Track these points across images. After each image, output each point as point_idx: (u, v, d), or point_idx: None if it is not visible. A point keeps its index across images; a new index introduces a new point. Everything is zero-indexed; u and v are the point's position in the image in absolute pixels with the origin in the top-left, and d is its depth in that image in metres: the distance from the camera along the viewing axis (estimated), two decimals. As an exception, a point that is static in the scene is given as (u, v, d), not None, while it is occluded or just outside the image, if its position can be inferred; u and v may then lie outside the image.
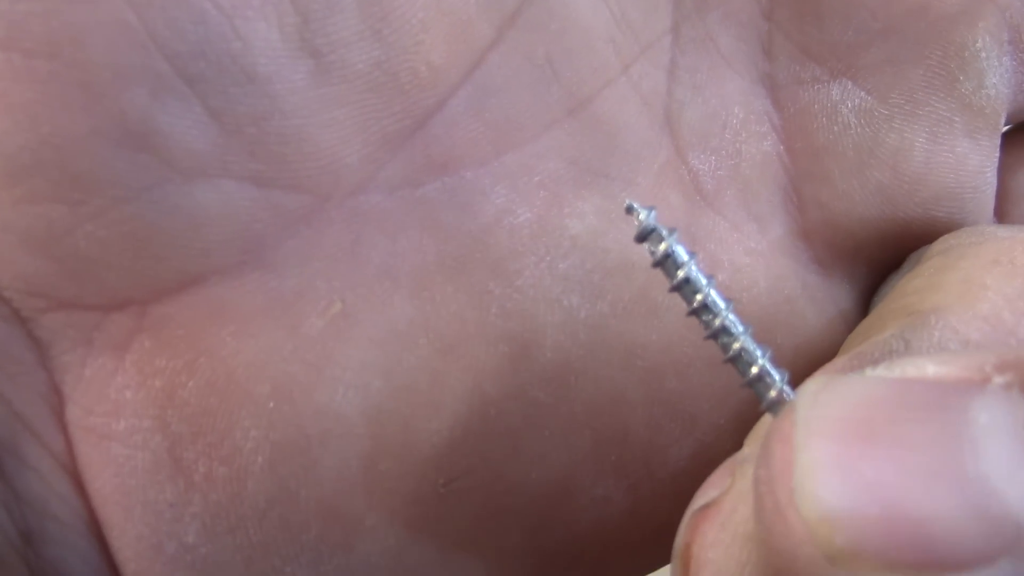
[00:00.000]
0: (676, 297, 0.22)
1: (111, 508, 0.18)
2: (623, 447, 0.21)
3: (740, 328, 0.18)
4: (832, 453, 0.15)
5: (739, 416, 0.22)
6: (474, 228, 0.20)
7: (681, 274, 0.17)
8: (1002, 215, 0.26)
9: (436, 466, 0.19)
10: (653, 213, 0.18)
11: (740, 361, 0.18)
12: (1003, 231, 0.22)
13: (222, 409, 0.18)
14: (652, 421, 0.21)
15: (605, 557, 0.22)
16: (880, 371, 0.16)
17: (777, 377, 0.17)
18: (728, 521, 0.17)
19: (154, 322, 0.18)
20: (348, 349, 0.19)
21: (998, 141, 0.24)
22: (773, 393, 0.17)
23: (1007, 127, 0.27)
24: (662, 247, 0.18)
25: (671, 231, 0.18)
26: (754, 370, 0.17)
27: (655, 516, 0.22)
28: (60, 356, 0.18)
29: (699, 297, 0.17)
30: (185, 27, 0.17)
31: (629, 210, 0.18)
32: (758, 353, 0.18)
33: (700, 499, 0.18)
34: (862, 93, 0.23)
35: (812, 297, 0.23)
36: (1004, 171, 0.26)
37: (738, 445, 0.22)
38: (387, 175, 0.19)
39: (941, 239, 0.23)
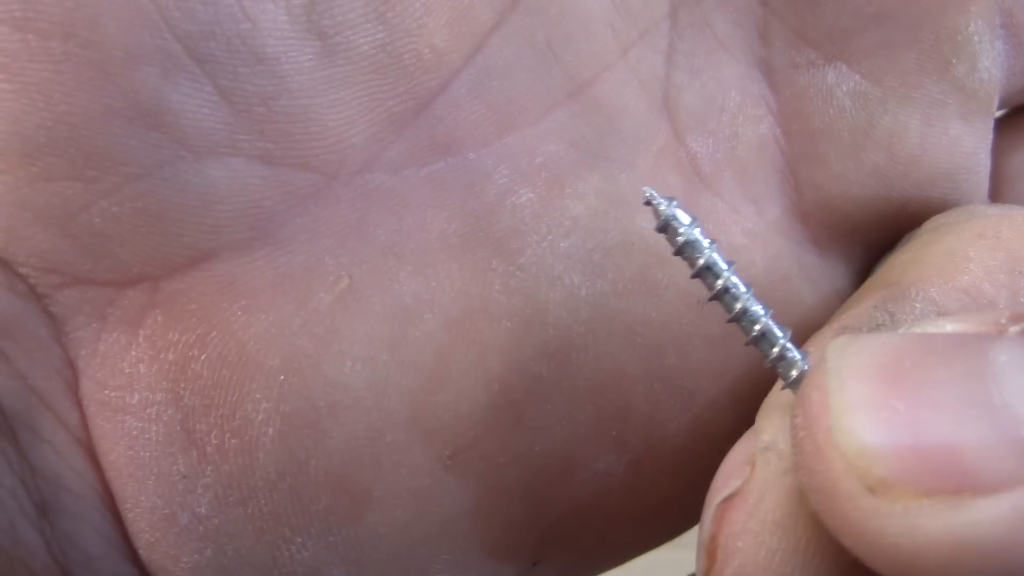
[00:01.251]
0: (675, 276, 0.22)
1: (125, 480, 0.19)
2: (624, 422, 0.22)
3: (761, 311, 0.18)
4: (865, 393, 0.16)
5: (736, 393, 0.22)
6: (478, 207, 0.21)
7: (702, 262, 0.18)
8: (996, 196, 0.26)
9: (442, 439, 0.20)
10: (675, 203, 0.18)
11: (763, 342, 0.18)
12: (993, 209, 0.23)
13: (233, 382, 0.19)
14: (652, 397, 0.22)
15: (607, 531, 0.22)
16: (901, 331, 0.17)
17: (799, 356, 0.18)
18: (755, 510, 0.18)
19: (166, 297, 0.19)
20: (355, 323, 0.19)
21: (992, 123, 0.25)
22: (795, 372, 0.18)
23: (1003, 111, 0.27)
24: (681, 237, 0.18)
25: (693, 220, 0.18)
26: (775, 350, 0.18)
27: (656, 491, 0.22)
28: (75, 331, 0.19)
29: (720, 282, 0.18)
30: (196, 8, 0.17)
31: (649, 202, 0.18)
32: (779, 334, 0.18)
33: (723, 489, 0.18)
34: (857, 76, 0.24)
35: (808, 277, 0.24)
36: (999, 154, 0.26)
37: (736, 421, 0.22)
38: (392, 155, 0.20)
39: (932, 219, 0.23)
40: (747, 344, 0.19)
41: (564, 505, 0.22)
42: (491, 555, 0.21)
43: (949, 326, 0.17)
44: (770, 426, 0.19)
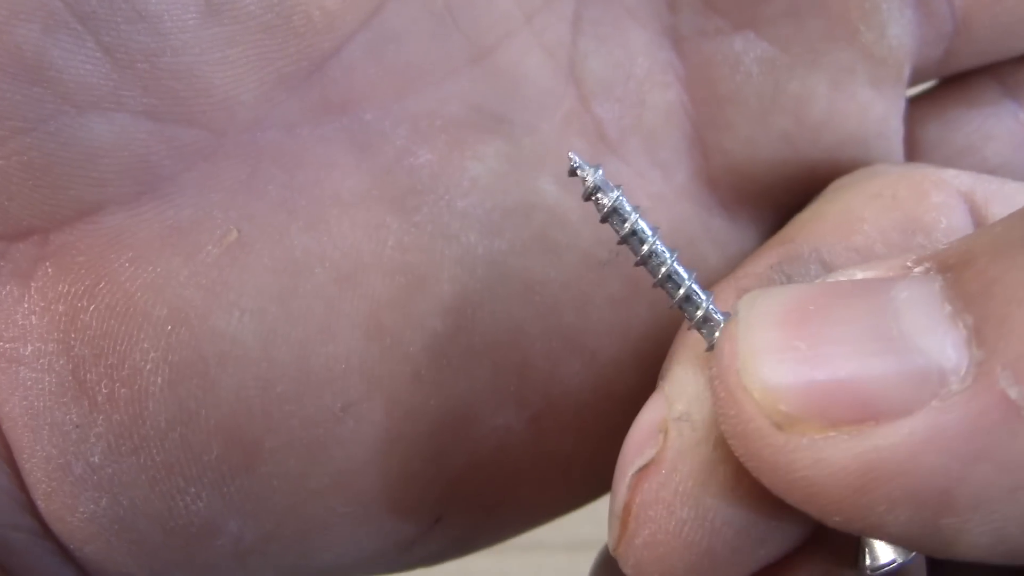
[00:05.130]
0: (576, 238, 0.23)
1: (20, 431, 0.19)
2: (522, 378, 0.22)
3: (686, 276, 0.19)
4: (771, 337, 0.16)
5: (640, 352, 0.23)
6: (373, 167, 0.21)
7: (627, 227, 0.19)
8: (912, 166, 0.26)
9: (332, 390, 0.20)
10: (600, 171, 0.19)
11: (688, 304, 0.19)
12: (895, 169, 0.23)
13: (122, 332, 0.19)
14: (551, 354, 0.22)
15: (510, 488, 0.23)
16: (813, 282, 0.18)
17: (705, 297, 0.19)
18: (668, 480, 0.18)
19: (56, 250, 0.19)
20: (243, 276, 0.20)
21: (903, 90, 0.25)
22: (700, 312, 0.19)
23: (927, 85, 0.28)
24: (607, 202, 0.19)
25: (617, 187, 0.19)
26: (699, 313, 0.19)
27: (559, 448, 0.23)
28: None
29: (646, 247, 0.19)
30: None
31: (574, 171, 0.19)
32: (703, 296, 0.19)
33: (637, 459, 0.19)
34: (764, 43, 0.24)
35: (715, 240, 0.24)
36: (915, 124, 0.26)
37: (641, 381, 0.23)
38: (284, 114, 0.20)
39: (837, 180, 0.24)
40: (670, 308, 0.19)
41: (464, 460, 0.22)
42: (390, 510, 0.22)
43: (859, 273, 0.17)
44: (683, 395, 0.19)
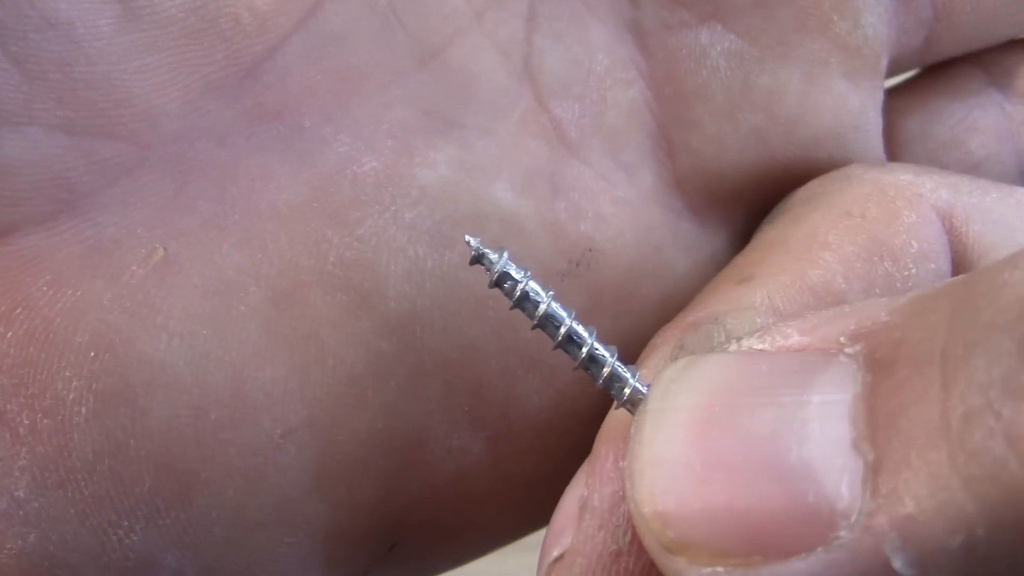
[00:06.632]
0: (533, 248, 0.22)
1: None
2: (477, 398, 0.21)
3: (608, 354, 0.18)
4: (670, 449, 0.15)
5: None
6: (312, 177, 0.20)
7: (541, 311, 0.18)
8: (893, 161, 0.25)
9: (271, 416, 0.19)
10: (505, 255, 0.18)
11: (614, 381, 0.18)
12: (870, 174, 0.22)
13: (41, 360, 0.18)
14: (508, 372, 0.21)
15: (469, 512, 0.22)
16: (752, 340, 0.17)
17: (628, 375, 0.18)
18: (569, 571, 0.17)
19: None
20: (172, 297, 0.19)
21: (881, 82, 0.24)
22: (627, 391, 0.18)
23: (908, 74, 0.26)
24: (518, 291, 0.18)
25: (525, 271, 0.18)
26: (606, 371, 0.18)
27: (519, 470, 0.22)
28: None
29: (563, 330, 0.18)
30: None
31: (478, 258, 0.18)
32: (627, 374, 0.18)
33: (554, 548, 0.18)
34: (732, 36, 0.23)
35: (684, 246, 0.23)
36: (896, 116, 0.25)
37: (602, 397, 0.21)
38: (214, 123, 0.19)
39: (808, 184, 0.22)
40: (598, 388, 0.18)
41: (417, 484, 0.21)
42: (340, 538, 0.20)
43: (795, 337, 0.16)
44: (588, 477, 0.18)
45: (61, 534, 0.19)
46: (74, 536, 0.19)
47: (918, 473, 0.13)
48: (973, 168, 0.25)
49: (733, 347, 0.17)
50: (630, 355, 0.20)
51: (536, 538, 0.24)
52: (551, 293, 0.18)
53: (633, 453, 0.16)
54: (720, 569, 0.15)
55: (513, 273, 0.18)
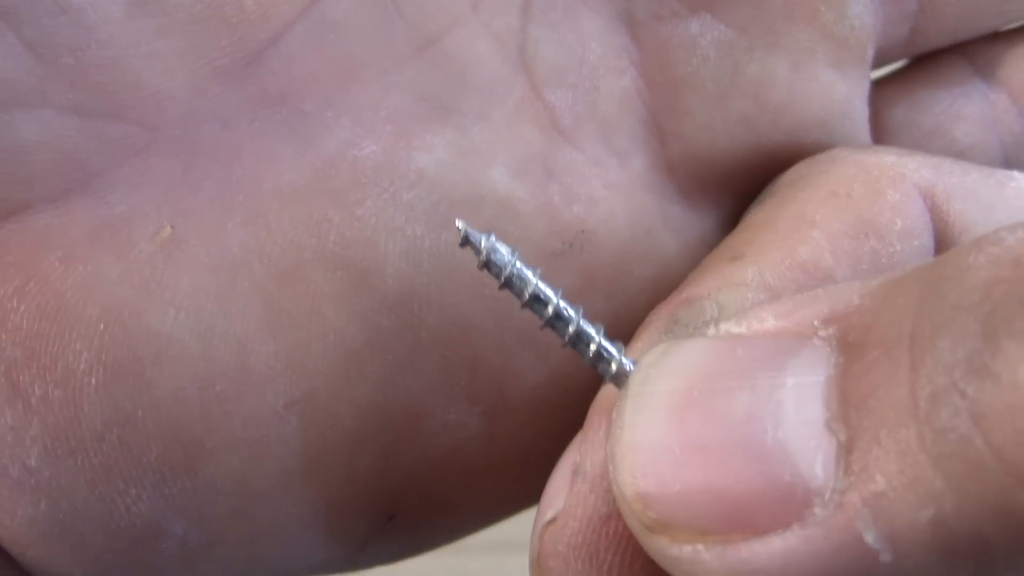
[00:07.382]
0: (528, 229, 0.22)
1: None
2: (473, 373, 0.21)
3: (594, 334, 0.19)
4: (651, 432, 0.16)
5: None
6: (314, 160, 0.21)
7: (529, 292, 0.18)
8: (879, 148, 0.26)
9: (274, 389, 0.20)
10: (492, 237, 0.18)
11: (600, 361, 0.19)
12: (854, 156, 0.22)
13: (53, 332, 0.19)
14: (503, 348, 0.22)
15: (466, 484, 0.22)
16: (730, 325, 0.17)
17: (614, 351, 0.18)
18: (561, 533, 0.18)
19: None
20: (178, 273, 0.19)
21: (867, 71, 0.25)
22: (614, 366, 0.18)
23: (897, 65, 0.27)
24: (506, 271, 0.18)
25: (513, 252, 0.18)
26: (592, 348, 0.19)
27: (515, 443, 0.22)
28: None
29: (550, 309, 0.19)
30: None
31: (465, 241, 0.18)
32: (614, 352, 0.19)
33: (548, 511, 0.19)
34: (721, 26, 0.23)
35: (674, 228, 0.23)
36: (883, 105, 0.26)
37: (596, 374, 0.22)
38: (219, 107, 0.20)
39: (795, 166, 0.23)
40: (585, 366, 0.19)
41: (415, 457, 0.21)
42: (340, 509, 0.21)
43: (771, 320, 0.17)
44: (581, 444, 0.19)
45: (71, 502, 0.19)
46: (83, 504, 0.19)
47: (888, 451, 0.14)
48: (958, 155, 0.25)
49: (711, 332, 0.17)
50: (623, 333, 0.21)
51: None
52: (539, 273, 0.19)
53: (615, 437, 0.17)
54: (700, 547, 0.15)
55: (500, 255, 0.18)
